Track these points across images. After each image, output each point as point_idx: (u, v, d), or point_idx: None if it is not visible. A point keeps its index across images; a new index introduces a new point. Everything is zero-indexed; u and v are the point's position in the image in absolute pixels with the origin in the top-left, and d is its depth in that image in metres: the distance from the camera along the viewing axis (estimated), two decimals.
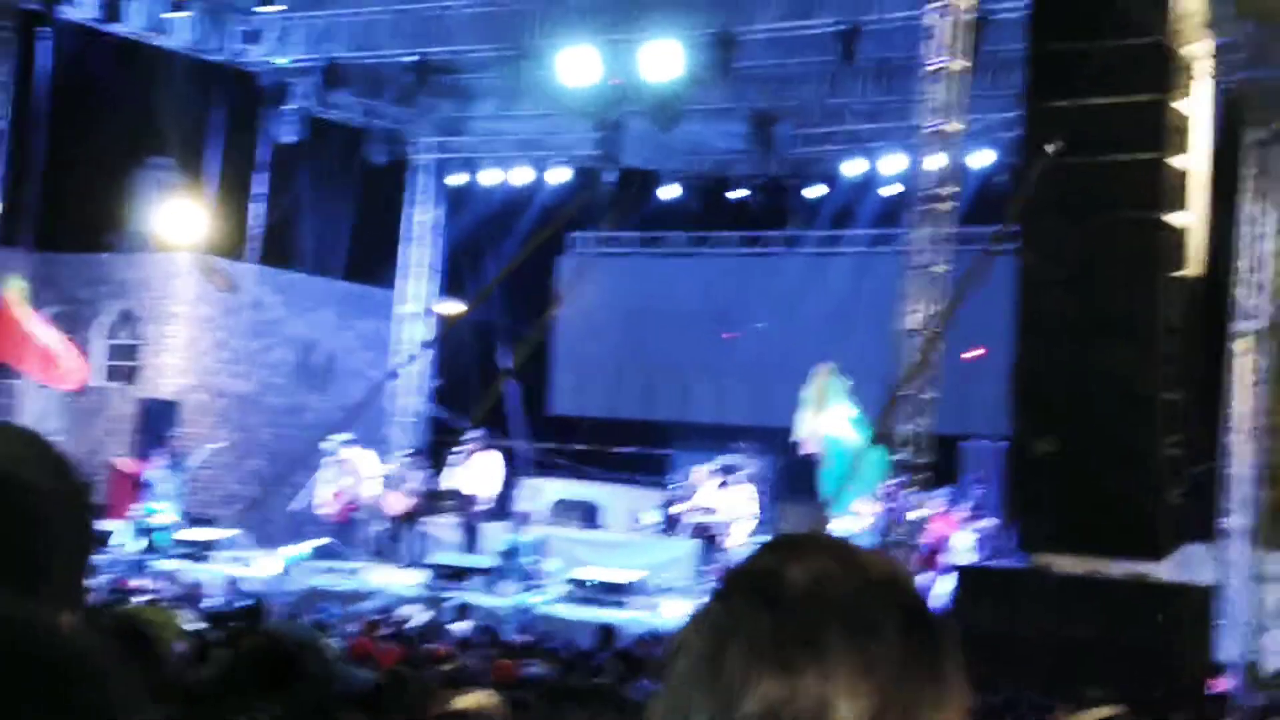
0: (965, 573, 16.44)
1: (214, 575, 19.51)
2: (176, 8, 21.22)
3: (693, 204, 25.42)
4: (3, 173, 21.84)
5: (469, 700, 4.87)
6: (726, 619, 1.33)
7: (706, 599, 1.37)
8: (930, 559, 18.24)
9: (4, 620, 1.40)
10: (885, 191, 23.61)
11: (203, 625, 13.19)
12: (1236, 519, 15.81)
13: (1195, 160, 16.21)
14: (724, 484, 20.38)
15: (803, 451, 18.01)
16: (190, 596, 16.85)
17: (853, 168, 23.59)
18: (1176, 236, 16.10)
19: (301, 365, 26.74)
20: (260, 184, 25.55)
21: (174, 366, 25.55)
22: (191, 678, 5.01)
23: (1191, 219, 16.17)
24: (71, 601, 1.62)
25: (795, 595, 1.32)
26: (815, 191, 24.45)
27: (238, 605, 16.67)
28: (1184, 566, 15.55)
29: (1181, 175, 16.10)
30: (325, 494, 22.41)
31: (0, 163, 21.76)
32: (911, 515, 17.90)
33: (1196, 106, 16.23)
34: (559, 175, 25.86)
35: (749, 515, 20.38)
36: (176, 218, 25.59)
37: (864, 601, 1.32)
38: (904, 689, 1.29)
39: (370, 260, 27.18)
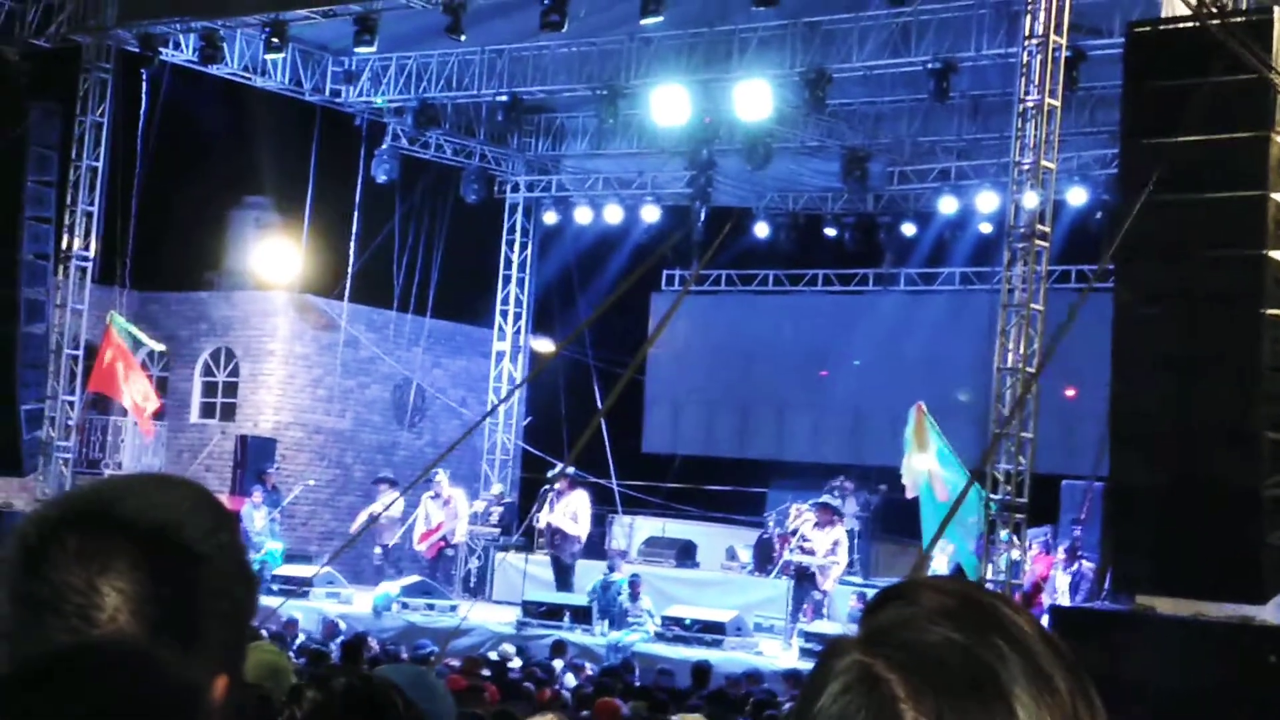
0: (1063, 614, 16.24)
1: (309, 612, 19.67)
2: (273, 49, 21.50)
3: (785, 242, 25.39)
4: (103, 212, 22.20)
5: None
6: (881, 674, 1.29)
7: (834, 654, 1.34)
8: (1030, 599, 18.05)
9: (155, 680, 1.41)
10: (979, 229, 23.48)
11: (301, 663, 13.31)
12: None
13: None
14: (819, 524, 20.27)
15: (909, 494, 17.87)
16: (285, 634, 16.99)
17: (946, 205, 23.48)
18: (1277, 270, 15.88)
19: (395, 403, 26.95)
20: (356, 223, 25.81)
21: (270, 403, 25.84)
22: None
23: None
24: (228, 664, 1.63)
25: (967, 648, 1.30)
26: (909, 229, 24.35)
27: (338, 641, 16.82)
28: None
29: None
30: (423, 530, 22.53)
31: (100, 202, 22.13)
32: (1012, 555, 17.72)
33: None
34: (651, 214, 25.93)
35: (844, 555, 20.26)
36: (273, 256, 25.92)
37: (1037, 654, 1.32)
38: None
39: (462, 298, 27.38)
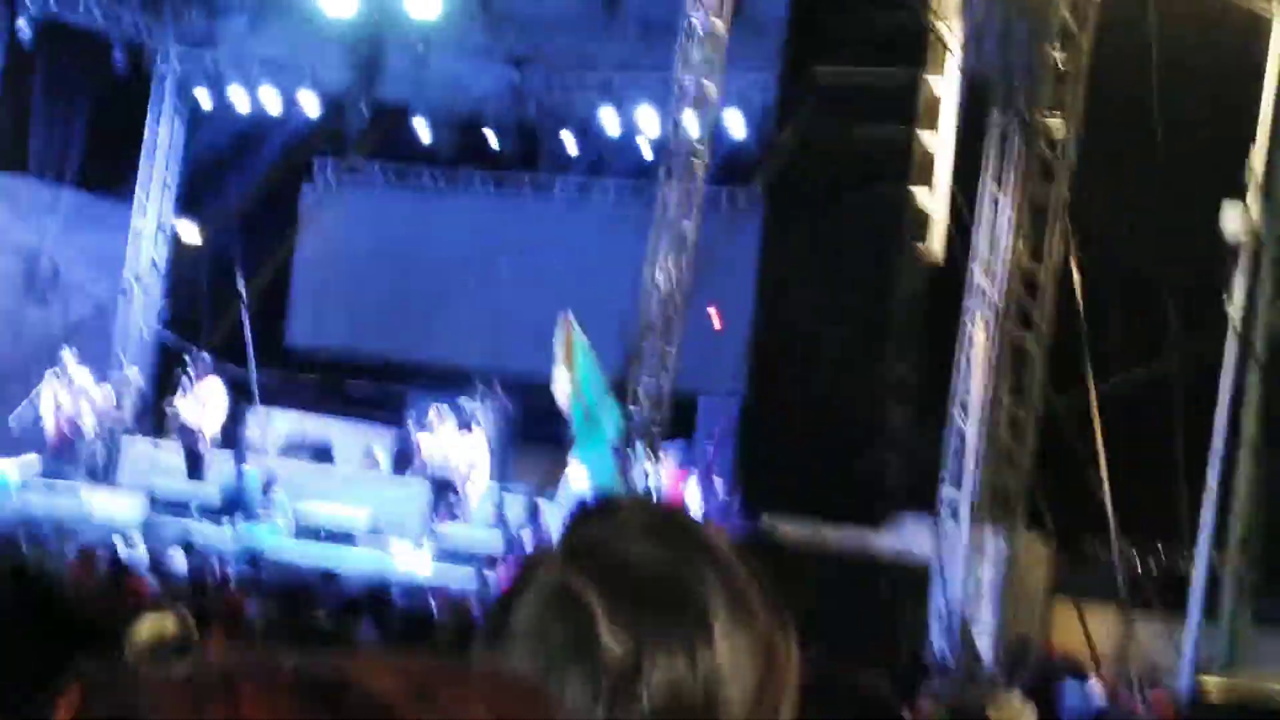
0: None
1: None
2: None
3: (444, 143, 25.10)
4: None
5: (149, 626, 4.67)
6: (581, 591, 1.27)
7: (532, 568, 1.33)
8: None
9: None
10: (639, 146, 23.63)
11: None
12: (957, 494, 16.31)
13: (943, 142, 16.60)
14: (460, 428, 20.28)
15: (562, 405, 17.97)
16: None
17: (607, 119, 23.56)
18: (919, 212, 16.48)
19: (24, 275, 25.75)
20: None
21: None
22: None
23: (935, 196, 16.56)
24: None
25: (670, 569, 1.29)
26: (569, 140, 24.35)
27: None
28: (903, 537, 16.01)
29: (929, 152, 16.48)
30: (47, 410, 21.66)
31: None
32: (647, 470, 18.03)
33: (947, 88, 16.60)
34: (309, 102, 25.25)
35: (484, 461, 20.34)
36: None
37: (737, 576, 1.30)
38: (771, 663, 1.29)
39: (106, 173, 26.22)
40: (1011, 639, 15.52)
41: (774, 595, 1.33)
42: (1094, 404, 15.51)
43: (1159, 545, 16.97)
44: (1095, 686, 13.22)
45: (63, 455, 21.54)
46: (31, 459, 20.52)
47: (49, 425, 21.58)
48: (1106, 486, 15.32)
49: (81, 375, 21.89)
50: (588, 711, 1.24)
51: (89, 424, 21.90)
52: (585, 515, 1.37)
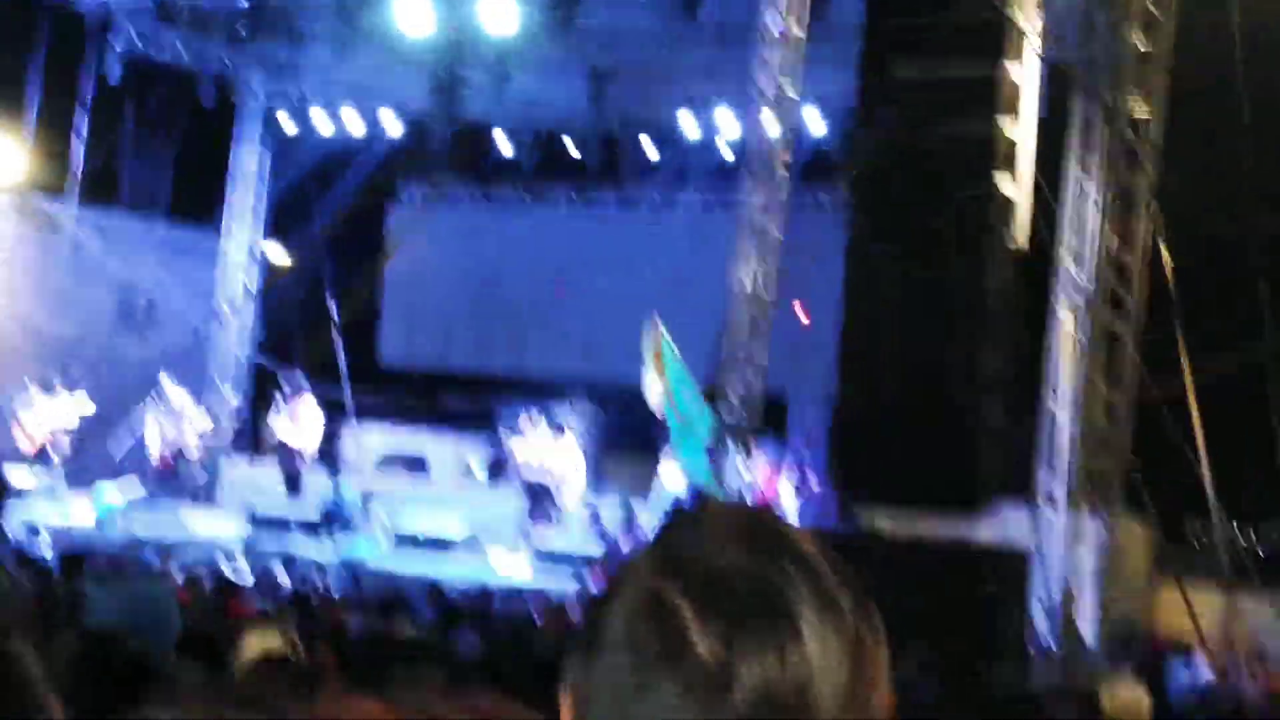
0: None
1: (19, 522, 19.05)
2: None
3: (527, 159, 25.27)
4: None
5: (257, 641, 4.79)
6: (672, 599, 1.30)
7: (624, 577, 1.35)
8: None
9: None
10: (721, 154, 23.69)
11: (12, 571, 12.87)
12: (1054, 484, 16.23)
13: (1024, 131, 16.53)
14: (555, 433, 20.39)
15: (656, 411, 18.04)
16: None
17: (687, 124, 23.63)
18: (1005, 205, 16.42)
19: (122, 308, 26.14)
20: (83, 123, 24.86)
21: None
22: None
23: (1019, 189, 16.49)
24: None
25: (758, 573, 1.31)
26: (651, 151, 24.45)
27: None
28: (1002, 527, 15.93)
29: (1011, 145, 16.42)
30: (151, 440, 22.00)
31: None
32: (740, 475, 18.05)
33: (1027, 77, 16.53)
34: (391, 125, 25.54)
35: (578, 466, 20.43)
36: None
37: (823, 576, 1.33)
38: (860, 663, 1.31)
39: (195, 204, 26.61)
40: (1115, 623, 15.41)
41: (863, 593, 1.35)
42: (1189, 386, 15.39)
43: (1260, 525, 16.81)
44: (1202, 663, 13.12)
45: (165, 480, 21.87)
46: (133, 481, 20.81)
47: (153, 451, 21.92)
48: (1205, 467, 15.18)
49: (181, 400, 22.22)
50: (678, 717, 1.27)
51: (191, 447, 22.22)
52: (674, 523, 1.40)
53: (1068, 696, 9.42)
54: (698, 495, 17.28)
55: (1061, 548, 15.62)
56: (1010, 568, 14.70)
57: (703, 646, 1.27)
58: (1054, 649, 14.64)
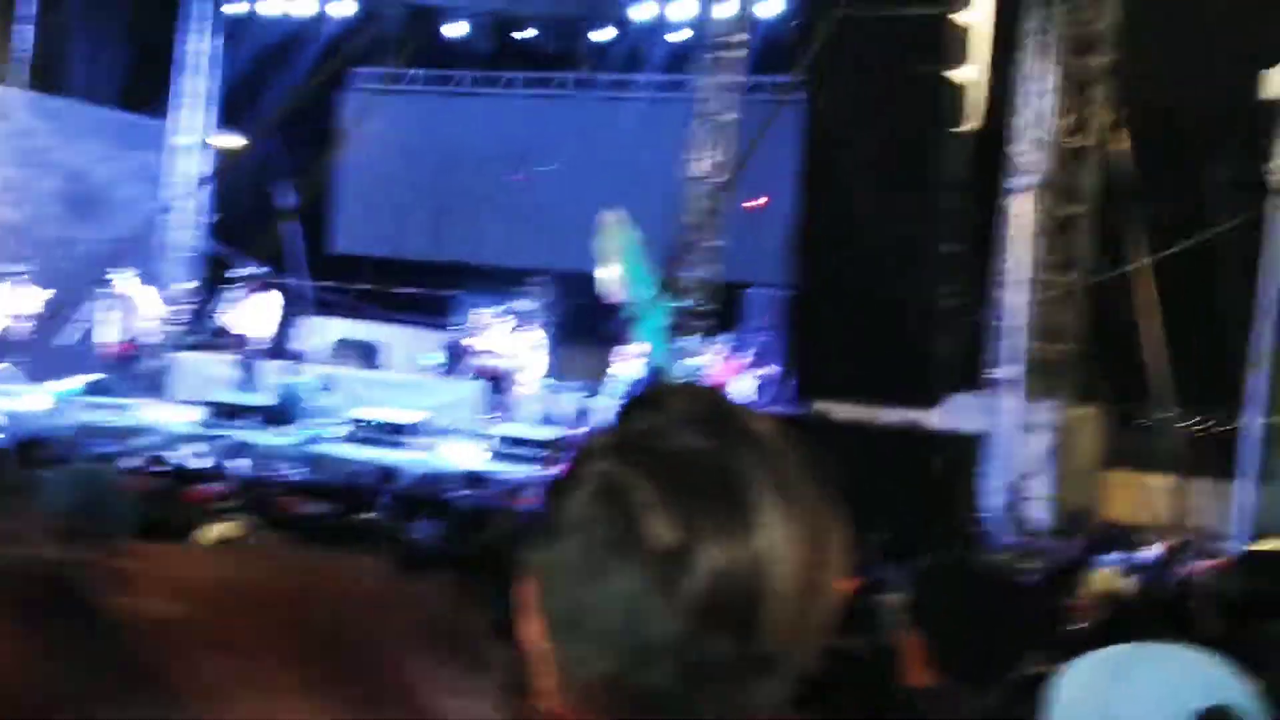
0: None
1: None
2: None
3: (481, 43, 25.01)
4: None
5: (216, 532, 4.83)
6: (629, 482, 1.30)
7: (583, 460, 1.34)
8: None
9: None
10: (674, 38, 23.49)
11: None
12: (1006, 369, 16.33)
13: (978, 16, 16.48)
14: (513, 326, 20.36)
15: (609, 301, 18.03)
16: None
17: (642, 11, 23.42)
18: (958, 91, 16.41)
19: (71, 195, 25.87)
20: (27, 5, 24.46)
21: None
22: None
23: (973, 74, 16.47)
24: None
25: (716, 457, 1.30)
26: (605, 34, 24.22)
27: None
28: (954, 414, 16.04)
29: (964, 30, 16.38)
30: (104, 329, 21.86)
31: None
32: (693, 361, 18.10)
33: None
34: (342, 9, 25.20)
35: (538, 359, 20.42)
36: None
37: (784, 461, 1.32)
38: (818, 546, 1.31)
39: (144, 90, 26.26)
40: (1065, 506, 15.59)
41: (823, 478, 1.34)
42: (1142, 272, 15.47)
43: (1212, 412, 16.95)
44: (1151, 545, 13.29)
45: (121, 368, 21.74)
46: (95, 378, 20.71)
47: (107, 339, 21.79)
48: (1158, 354, 15.30)
49: (134, 288, 22.07)
50: (636, 601, 1.27)
51: (145, 335, 22.11)
52: (632, 408, 1.38)
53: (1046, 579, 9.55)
54: (656, 380, 17.32)
55: (1013, 434, 15.76)
56: (962, 453, 14.84)
57: (661, 529, 1.27)
58: (1005, 530, 14.81)
